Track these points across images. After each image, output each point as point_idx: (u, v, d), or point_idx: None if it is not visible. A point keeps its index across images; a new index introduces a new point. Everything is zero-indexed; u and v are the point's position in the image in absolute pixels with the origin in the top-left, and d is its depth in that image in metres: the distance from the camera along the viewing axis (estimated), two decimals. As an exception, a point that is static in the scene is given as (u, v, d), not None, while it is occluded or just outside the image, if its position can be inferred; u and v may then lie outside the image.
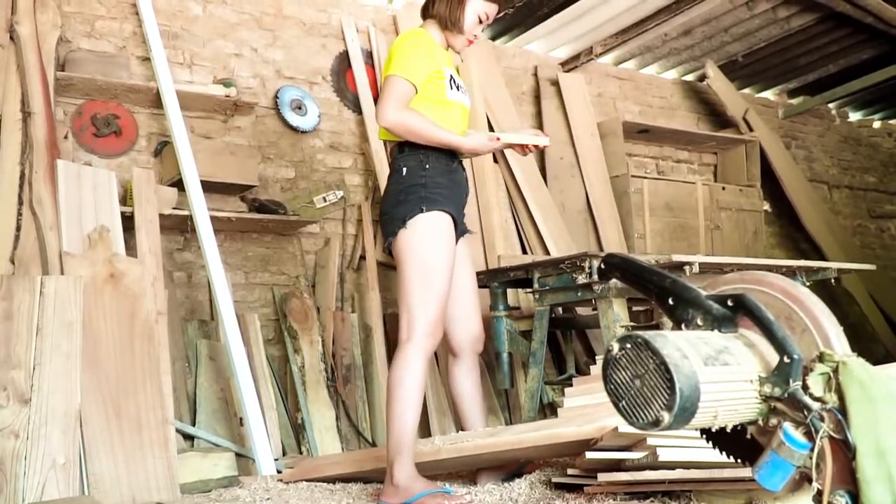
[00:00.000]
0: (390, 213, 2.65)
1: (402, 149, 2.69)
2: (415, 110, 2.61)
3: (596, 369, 3.04)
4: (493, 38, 5.40)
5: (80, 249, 3.13)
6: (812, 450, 1.27)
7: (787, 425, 1.29)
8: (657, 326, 3.06)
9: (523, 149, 2.82)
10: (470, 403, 2.88)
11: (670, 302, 1.46)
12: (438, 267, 2.58)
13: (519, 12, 5.00)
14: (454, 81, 2.74)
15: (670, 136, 5.94)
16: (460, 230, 2.75)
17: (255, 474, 3.30)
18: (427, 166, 2.64)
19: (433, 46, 2.69)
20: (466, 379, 2.87)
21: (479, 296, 2.93)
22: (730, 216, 5.77)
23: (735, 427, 1.36)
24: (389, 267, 4.47)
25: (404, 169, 2.66)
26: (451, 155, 2.71)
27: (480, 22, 2.77)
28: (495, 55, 5.29)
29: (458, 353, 2.86)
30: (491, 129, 4.82)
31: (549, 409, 4.15)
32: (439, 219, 2.61)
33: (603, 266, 1.67)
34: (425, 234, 2.58)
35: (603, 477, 2.23)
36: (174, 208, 3.66)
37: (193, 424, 3.54)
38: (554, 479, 2.51)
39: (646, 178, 5.43)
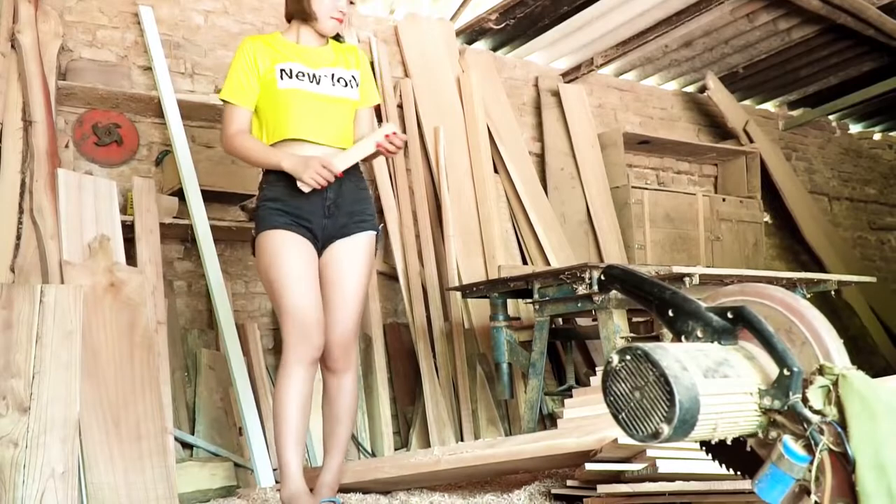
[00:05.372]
0: None
1: None
2: (244, 134, 2.69)
3: (596, 381, 3.04)
4: (494, 49, 5.41)
5: (80, 258, 3.13)
6: (812, 463, 1.27)
7: (787, 438, 1.28)
8: (657, 338, 3.06)
9: (387, 152, 2.70)
10: (331, 424, 2.75)
11: (670, 314, 1.46)
12: (277, 282, 2.60)
13: (520, 23, 5.01)
14: (290, 72, 2.69)
15: (671, 147, 5.95)
16: (326, 235, 2.69)
17: (254, 484, 3.29)
18: (263, 186, 2.72)
19: (253, 51, 2.71)
20: (337, 397, 2.73)
21: (354, 303, 2.70)
22: (730, 227, 5.77)
23: (735, 439, 1.36)
24: (389, 277, 4.48)
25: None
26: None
27: None
28: (496, 66, 5.30)
29: (325, 364, 2.71)
30: (491, 138, 4.83)
31: (548, 420, 4.14)
32: (266, 238, 2.64)
33: (603, 277, 1.66)
34: (260, 253, 2.67)
35: (602, 489, 2.23)
36: (175, 217, 3.67)
37: (192, 434, 3.54)
38: (553, 491, 2.51)
39: (646, 189, 5.43)
